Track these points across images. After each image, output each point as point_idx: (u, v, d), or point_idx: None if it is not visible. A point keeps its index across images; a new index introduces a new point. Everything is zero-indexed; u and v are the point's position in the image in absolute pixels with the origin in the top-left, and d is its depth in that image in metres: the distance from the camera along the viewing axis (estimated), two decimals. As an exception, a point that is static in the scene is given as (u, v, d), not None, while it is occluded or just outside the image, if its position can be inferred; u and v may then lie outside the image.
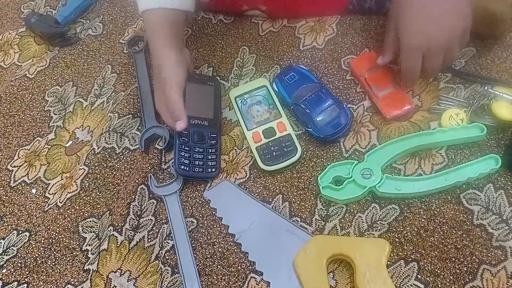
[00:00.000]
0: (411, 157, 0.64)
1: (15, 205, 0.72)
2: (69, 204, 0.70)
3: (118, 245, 0.65)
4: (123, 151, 0.73)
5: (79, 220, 0.69)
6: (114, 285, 0.62)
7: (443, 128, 0.64)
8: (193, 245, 0.63)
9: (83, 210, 0.69)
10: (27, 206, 0.72)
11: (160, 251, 0.64)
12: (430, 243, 0.57)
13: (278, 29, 0.81)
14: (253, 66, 0.78)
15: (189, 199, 0.67)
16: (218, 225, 0.64)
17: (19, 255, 0.68)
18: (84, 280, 0.63)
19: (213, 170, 0.68)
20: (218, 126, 0.71)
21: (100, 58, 0.85)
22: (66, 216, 0.69)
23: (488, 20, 0.66)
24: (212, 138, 0.70)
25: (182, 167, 0.67)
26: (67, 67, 0.85)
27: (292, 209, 0.64)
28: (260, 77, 0.76)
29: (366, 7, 0.75)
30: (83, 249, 0.66)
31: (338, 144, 0.67)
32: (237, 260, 0.61)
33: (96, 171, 0.72)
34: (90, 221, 0.68)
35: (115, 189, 0.70)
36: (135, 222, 0.66)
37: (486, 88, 0.65)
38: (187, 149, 0.68)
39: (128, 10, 0.91)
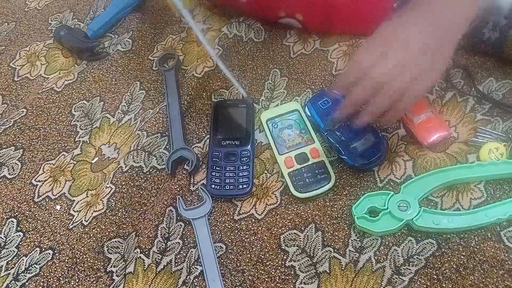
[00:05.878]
0: (448, 190, 0.63)
1: (39, 221, 0.71)
2: (94, 223, 0.68)
3: (145, 268, 0.63)
4: (151, 170, 0.72)
5: (105, 240, 0.67)
6: (140, 310, 0.61)
7: (482, 162, 0.62)
8: (222, 271, 0.62)
9: (108, 230, 0.68)
10: (51, 223, 0.70)
11: (188, 277, 0.62)
12: (470, 282, 0.56)
13: (310, 52, 0.80)
14: (284, 89, 0.77)
15: (218, 223, 0.66)
16: (248, 252, 0.63)
17: (42, 273, 0.66)
18: (109, 303, 0.62)
19: (245, 186, 0.67)
20: (250, 143, 0.71)
21: (129, 74, 0.85)
22: (91, 235, 0.68)
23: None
24: (243, 156, 0.69)
25: (213, 186, 0.67)
26: (95, 82, 0.85)
27: (324, 239, 0.62)
28: (291, 100, 0.75)
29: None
30: (107, 271, 0.65)
31: (372, 173, 0.66)
32: (267, 289, 0.60)
33: (123, 190, 0.70)
34: (115, 241, 0.67)
35: (141, 209, 0.69)
36: (162, 245, 0.65)
37: (526, 122, 0.64)
38: (219, 169, 0.68)
39: (157, 26, 0.90)
